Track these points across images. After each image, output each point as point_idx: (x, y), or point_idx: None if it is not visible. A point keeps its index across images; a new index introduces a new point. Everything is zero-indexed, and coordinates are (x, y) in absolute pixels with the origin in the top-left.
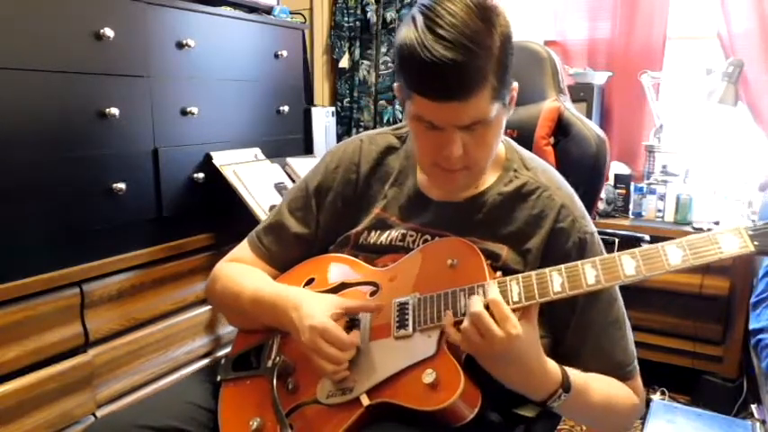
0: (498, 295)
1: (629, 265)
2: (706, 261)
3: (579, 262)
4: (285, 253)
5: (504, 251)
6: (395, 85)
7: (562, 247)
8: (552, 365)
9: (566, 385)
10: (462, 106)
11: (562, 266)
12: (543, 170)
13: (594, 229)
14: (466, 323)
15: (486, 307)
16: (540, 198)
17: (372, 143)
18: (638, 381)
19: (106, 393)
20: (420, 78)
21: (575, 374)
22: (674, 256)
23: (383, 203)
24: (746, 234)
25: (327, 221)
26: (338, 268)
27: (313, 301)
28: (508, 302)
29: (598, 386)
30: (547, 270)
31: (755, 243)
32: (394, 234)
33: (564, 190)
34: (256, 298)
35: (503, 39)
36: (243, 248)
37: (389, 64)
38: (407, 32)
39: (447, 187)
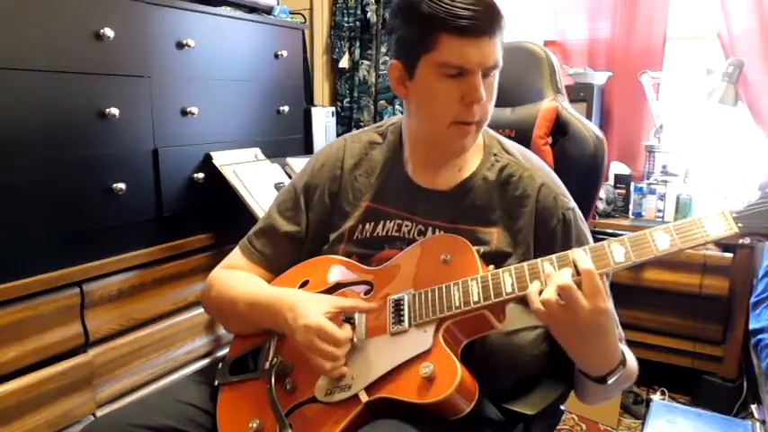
0: (592, 265)
1: (618, 252)
2: (693, 245)
3: (570, 251)
4: (278, 254)
5: (494, 235)
6: (392, 62)
7: (548, 225)
8: (617, 341)
9: (624, 359)
10: (491, 44)
11: (553, 256)
12: (522, 153)
13: (575, 205)
14: (550, 293)
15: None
16: (522, 178)
17: (356, 140)
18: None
19: (106, 393)
20: (456, 15)
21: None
22: (661, 241)
23: (371, 195)
24: (731, 217)
25: (317, 219)
26: (333, 269)
27: (308, 302)
28: (501, 294)
29: (630, 357)
30: (538, 260)
31: (740, 225)
32: (389, 225)
33: (543, 170)
34: (252, 301)
35: None
36: (236, 255)
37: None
38: None
39: (460, 145)
